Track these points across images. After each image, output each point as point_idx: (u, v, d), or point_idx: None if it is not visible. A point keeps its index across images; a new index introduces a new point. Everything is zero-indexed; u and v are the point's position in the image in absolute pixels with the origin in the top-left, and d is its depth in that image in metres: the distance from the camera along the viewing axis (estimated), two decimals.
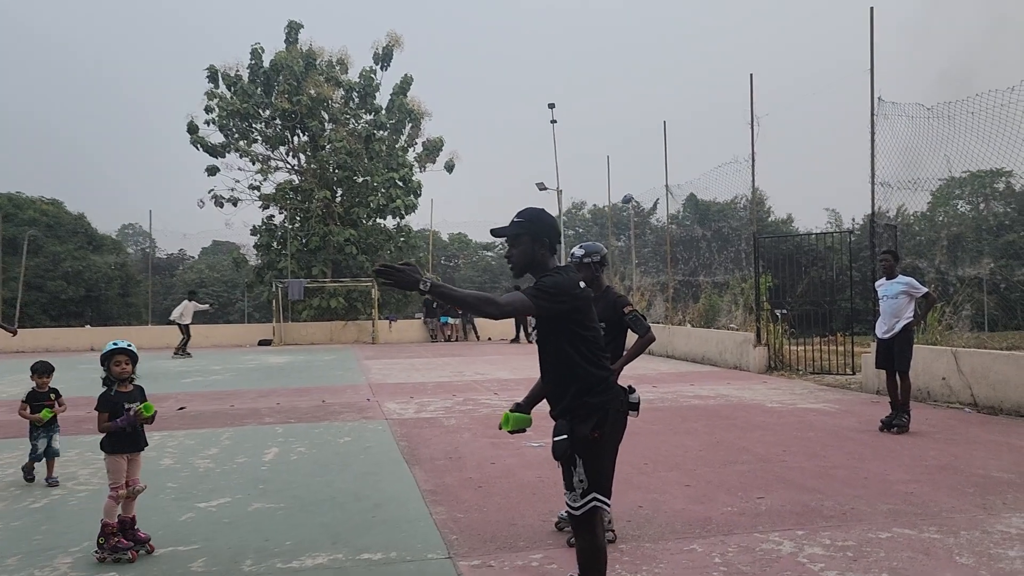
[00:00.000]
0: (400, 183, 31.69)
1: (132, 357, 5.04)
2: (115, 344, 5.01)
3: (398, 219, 32.64)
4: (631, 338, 5.40)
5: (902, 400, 8.78)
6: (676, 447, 7.95)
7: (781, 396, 11.58)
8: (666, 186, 19.09)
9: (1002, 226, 30.30)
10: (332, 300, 30.11)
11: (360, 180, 31.91)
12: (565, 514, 5.19)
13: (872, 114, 12.35)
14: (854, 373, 13.47)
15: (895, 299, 8.93)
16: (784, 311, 18.46)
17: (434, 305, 28.34)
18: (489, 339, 28.01)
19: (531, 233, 3.59)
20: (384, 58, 32.59)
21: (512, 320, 26.01)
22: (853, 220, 40.45)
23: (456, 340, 27.70)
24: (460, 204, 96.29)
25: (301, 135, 32.27)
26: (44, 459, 6.71)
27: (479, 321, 27.96)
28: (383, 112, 32.64)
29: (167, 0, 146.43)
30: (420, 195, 32.33)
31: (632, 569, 4.49)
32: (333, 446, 8.24)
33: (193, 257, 71.61)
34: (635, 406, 3.65)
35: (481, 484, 6.52)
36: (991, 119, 10.55)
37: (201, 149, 31.84)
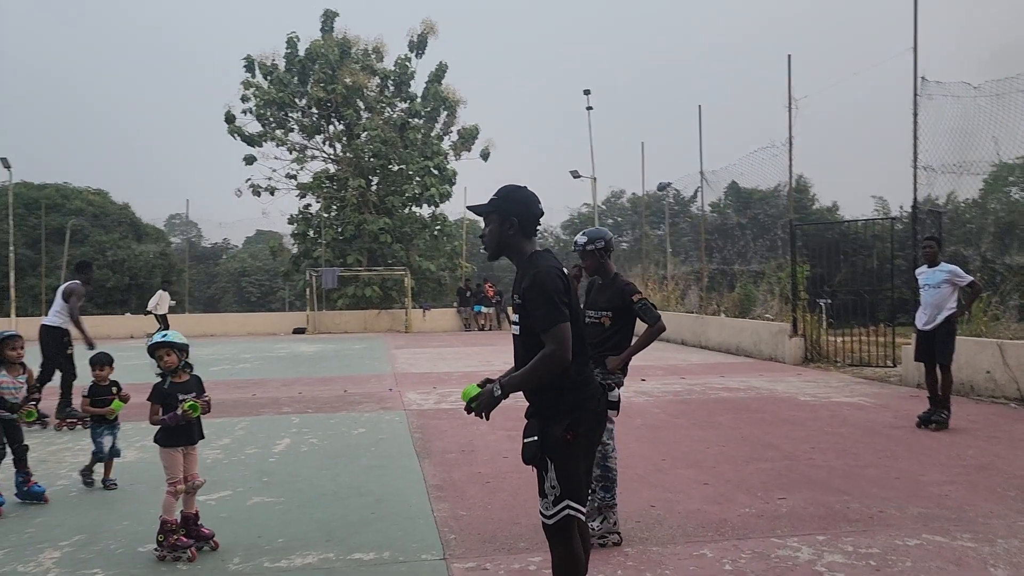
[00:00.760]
0: (435, 171, 31.53)
1: (176, 348, 4.82)
2: (161, 336, 4.82)
3: (433, 207, 32.52)
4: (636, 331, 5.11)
5: (942, 395, 8.33)
6: (698, 442, 7.62)
7: (815, 389, 11.15)
8: (701, 172, 18.61)
9: None
10: (367, 289, 30.13)
11: (395, 168, 31.85)
12: None
13: (915, 95, 11.78)
14: (894, 365, 12.94)
15: (937, 288, 8.45)
16: (828, 301, 17.92)
17: (467, 294, 28.20)
18: None
19: (499, 211, 3.29)
20: (419, 46, 32.41)
21: None
22: (901, 208, 39.30)
23: (489, 329, 27.53)
24: (494, 191, 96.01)
25: (337, 124, 32.30)
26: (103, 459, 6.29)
27: None
28: (418, 100, 32.48)
29: None
30: (455, 183, 32.15)
31: (635, 574, 4.22)
32: (346, 437, 8.08)
33: (236, 246, 72.67)
34: (614, 405, 3.32)
35: (490, 479, 6.29)
36: None
37: (239, 139, 32.02)
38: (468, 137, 33.19)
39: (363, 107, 32.00)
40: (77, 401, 7.78)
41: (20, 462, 5.78)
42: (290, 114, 32.36)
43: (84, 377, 7.00)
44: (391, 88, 32.63)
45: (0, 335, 5.79)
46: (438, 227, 33.11)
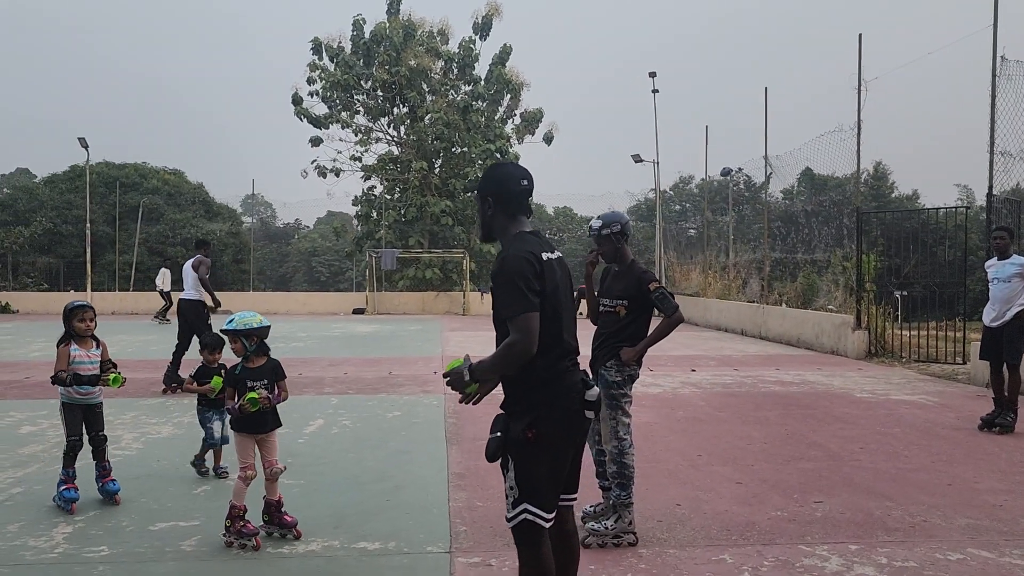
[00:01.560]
0: (497, 155, 31.38)
1: (241, 335, 4.53)
2: (227, 323, 4.57)
3: None
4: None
5: (1009, 396, 7.80)
6: (739, 438, 7.30)
7: (874, 385, 10.62)
8: (765, 157, 17.97)
9: None
10: (427, 271, 30.28)
11: (457, 151, 31.84)
12: (591, 508, 4.76)
13: (993, 75, 11.04)
14: (964, 362, 12.26)
15: (1007, 282, 7.88)
16: (903, 293, 17.13)
17: None
18: (580, 313, 27.50)
19: (479, 191, 3.13)
20: (483, 28, 32.24)
21: None
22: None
23: None
24: (557, 175, 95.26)
25: (401, 106, 32.43)
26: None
27: None
28: (481, 83, 32.35)
29: None
30: None
31: None
32: (379, 420, 8.02)
33: (308, 227, 74.15)
34: (591, 404, 3.04)
35: None
36: None
37: (305, 120, 32.47)
38: (531, 120, 32.95)
39: (427, 90, 32.03)
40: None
41: (98, 453, 5.17)
42: (355, 96, 32.63)
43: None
44: (455, 71, 32.58)
45: (69, 306, 5.17)
46: None
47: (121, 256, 34.96)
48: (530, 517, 2.91)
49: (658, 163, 27.36)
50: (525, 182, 3.09)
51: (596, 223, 4.64)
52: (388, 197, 32.32)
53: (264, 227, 72.14)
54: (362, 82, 32.19)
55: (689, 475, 6.01)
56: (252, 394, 4.42)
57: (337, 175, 33.22)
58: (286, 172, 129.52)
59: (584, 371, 3.14)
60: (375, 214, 32.20)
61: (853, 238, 14.56)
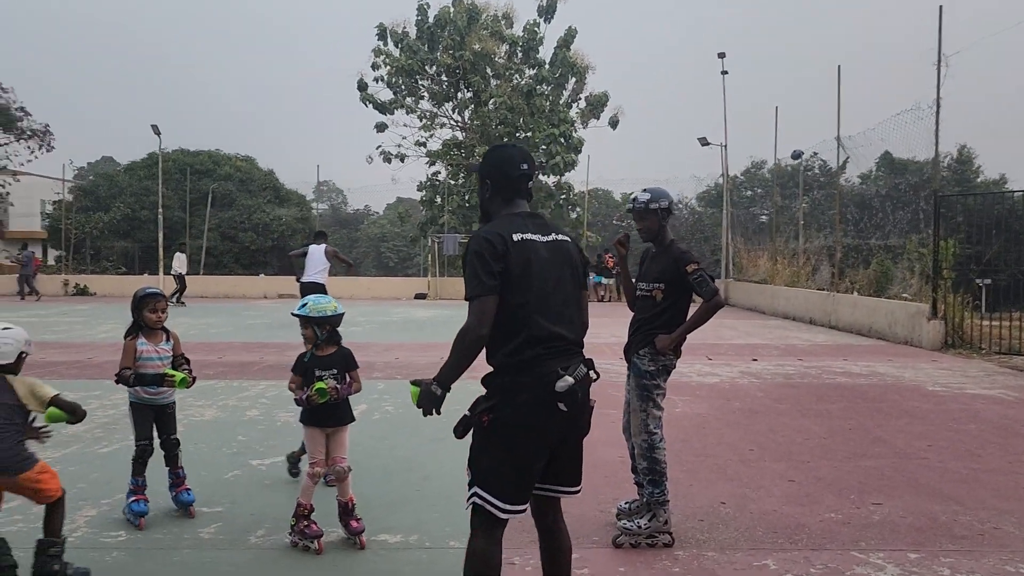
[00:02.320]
0: (561, 140, 30.97)
1: (313, 322, 4.28)
2: (299, 307, 4.34)
3: (557, 176, 32.01)
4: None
5: None
6: (796, 432, 6.89)
7: (949, 378, 9.98)
8: (837, 138, 17.13)
9: None
10: None
11: (522, 136, 31.55)
12: (625, 505, 4.49)
13: None
14: None
15: None
16: (987, 281, 16.20)
17: (591, 264, 27.67)
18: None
19: (479, 173, 3.08)
20: (548, 11, 31.78)
21: None
22: None
23: (609, 300, 26.92)
24: (622, 160, 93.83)
25: (465, 91, 32.29)
26: None
27: None
28: (546, 66, 31.93)
29: None
30: (580, 152, 31.49)
31: None
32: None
33: (377, 212, 75.13)
34: (563, 396, 2.80)
35: None
36: None
37: (371, 106, 32.62)
38: (596, 104, 32.37)
39: (491, 74, 31.80)
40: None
41: (171, 459, 4.63)
42: (420, 82, 32.62)
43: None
44: (519, 55, 32.24)
45: (139, 293, 4.57)
46: (563, 196, 32.60)
47: (195, 241, 35.89)
48: (479, 502, 2.86)
49: (726, 147, 26.58)
50: (525, 166, 3.00)
51: (643, 196, 4.31)
52: (452, 182, 32.29)
53: (334, 213, 73.47)
54: (426, 67, 32.15)
55: (738, 471, 5.66)
56: (320, 384, 4.15)
57: (402, 160, 33.30)
58: (351, 158, 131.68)
59: (577, 360, 2.92)
60: (439, 199, 32.22)
61: (931, 223, 13.76)
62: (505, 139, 31.69)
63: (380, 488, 5.13)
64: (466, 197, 31.85)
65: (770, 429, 7.01)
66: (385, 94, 32.68)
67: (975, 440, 6.65)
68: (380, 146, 32.99)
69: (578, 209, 33.21)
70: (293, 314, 4.42)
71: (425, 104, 33.15)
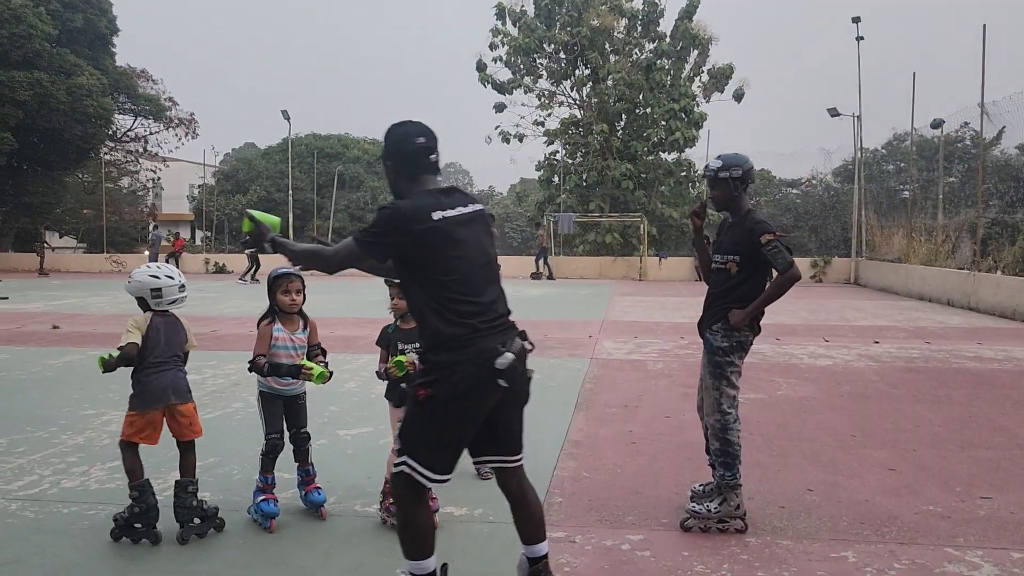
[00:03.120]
0: (682, 115, 30.12)
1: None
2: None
3: (678, 153, 31.19)
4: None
5: None
6: (907, 419, 6.41)
7: None
8: (980, 104, 15.76)
9: None
10: (607, 235, 29.83)
11: (640, 112, 30.92)
12: (699, 487, 4.30)
13: None
14: None
15: None
16: None
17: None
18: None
19: (382, 155, 3.09)
20: None
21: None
22: None
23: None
24: (747, 133, 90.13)
25: (583, 68, 31.93)
26: None
27: None
28: (667, 40, 31.08)
29: None
30: (702, 127, 30.52)
31: (744, 570, 3.51)
32: None
33: (501, 193, 75.97)
34: (502, 373, 2.78)
35: (637, 440, 5.73)
36: None
37: (489, 87, 32.81)
38: (720, 77, 31.26)
39: (610, 50, 31.26)
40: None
41: (300, 454, 4.25)
42: (538, 60, 32.49)
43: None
44: (639, 28, 31.54)
45: (273, 273, 4.17)
46: (683, 173, 31.75)
47: (324, 222, 37.39)
48: (408, 471, 2.91)
49: (859, 117, 25.09)
50: (422, 139, 2.98)
51: (715, 163, 4.08)
52: (570, 161, 32.07)
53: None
54: (544, 45, 31.97)
55: (834, 457, 5.32)
56: (400, 357, 3.98)
57: (520, 140, 33.36)
58: (471, 139, 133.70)
59: (512, 333, 2.96)
60: (556, 179, 32.11)
61: None
62: (623, 115, 31.18)
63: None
64: (583, 176, 31.59)
65: (879, 415, 6.55)
66: (503, 74, 32.80)
67: None
68: (499, 126, 33.18)
69: (699, 186, 32.25)
70: (387, 281, 4.11)
71: (543, 83, 33.02)
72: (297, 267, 3.02)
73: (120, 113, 35.32)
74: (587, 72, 31.67)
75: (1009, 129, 18.78)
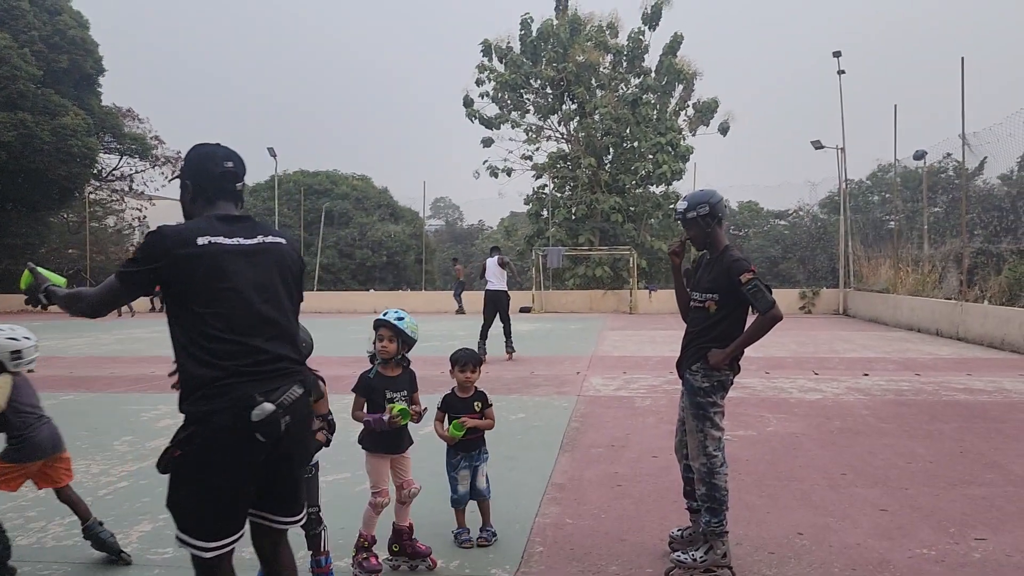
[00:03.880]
0: (668, 148, 30.29)
1: (399, 333, 3.93)
2: (387, 314, 4.02)
3: (665, 186, 31.31)
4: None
5: None
6: (898, 455, 6.28)
7: None
8: (962, 135, 15.88)
9: None
10: (597, 269, 29.80)
11: (627, 146, 31.09)
12: (678, 532, 4.16)
13: None
14: None
15: None
16: None
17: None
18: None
19: (180, 175, 2.83)
20: (652, 18, 31.27)
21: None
22: None
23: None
24: (735, 167, 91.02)
25: (570, 103, 32.16)
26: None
27: None
28: (652, 75, 31.38)
29: None
30: (688, 160, 30.70)
31: None
32: (499, 423, 7.61)
33: (491, 227, 76.15)
34: (259, 425, 2.48)
35: (623, 482, 5.57)
36: None
37: (477, 121, 32.98)
38: (705, 111, 31.55)
39: (595, 85, 31.53)
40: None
41: (311, 539, 3.88)
42: (525, 95, 32.71)
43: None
44: (624, 64, 31.85)
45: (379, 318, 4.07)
46: (672, 206, 31.82)
47: (312, 259, 37.25)
48: (186, 548, 2.58)
49: (843, 149, 25.28)
50: (230, 163, 2.77)
51: (682, 205, 4.00)
52: (558, 195, 32.16)
53: (450, 228, 74.91)
54: (531, 80, 32.21)
55: (824, 497, 5.17)
56: (401, 406, 3.92)
57: (508, 175, 33.47)
58: (459, 173, 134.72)
59: (290, 381, 2.63)
60: (545, 212, 32.16)
61: None
62: (611, 149, 31.33)
63: (435, 508, 4.96)
64: (572, 210, 31.65)
65: (869, 451, 6.42)
66: (491, 109, 33.01)
67: None
68: (487, 161, 33.32)
69: None
70: (382, 320, 4.01)
71: (530, 117, 33.24)
72: (70, 313, 2.80)
73: (106, 152, 35.34)
74: (574, 107, 31.90)
75: (991, 159, 18.89)
